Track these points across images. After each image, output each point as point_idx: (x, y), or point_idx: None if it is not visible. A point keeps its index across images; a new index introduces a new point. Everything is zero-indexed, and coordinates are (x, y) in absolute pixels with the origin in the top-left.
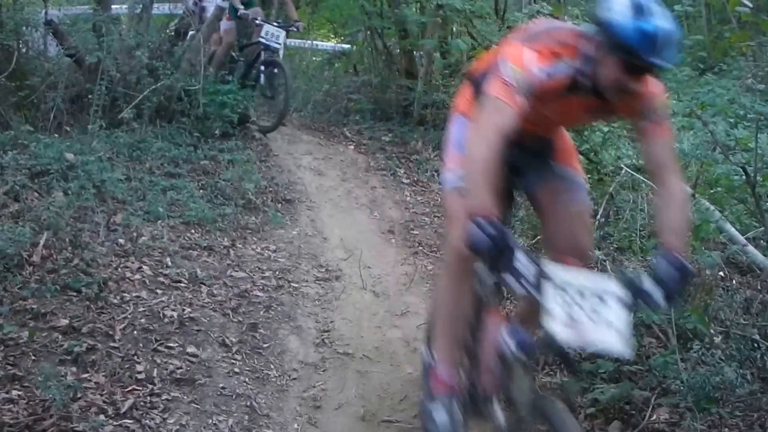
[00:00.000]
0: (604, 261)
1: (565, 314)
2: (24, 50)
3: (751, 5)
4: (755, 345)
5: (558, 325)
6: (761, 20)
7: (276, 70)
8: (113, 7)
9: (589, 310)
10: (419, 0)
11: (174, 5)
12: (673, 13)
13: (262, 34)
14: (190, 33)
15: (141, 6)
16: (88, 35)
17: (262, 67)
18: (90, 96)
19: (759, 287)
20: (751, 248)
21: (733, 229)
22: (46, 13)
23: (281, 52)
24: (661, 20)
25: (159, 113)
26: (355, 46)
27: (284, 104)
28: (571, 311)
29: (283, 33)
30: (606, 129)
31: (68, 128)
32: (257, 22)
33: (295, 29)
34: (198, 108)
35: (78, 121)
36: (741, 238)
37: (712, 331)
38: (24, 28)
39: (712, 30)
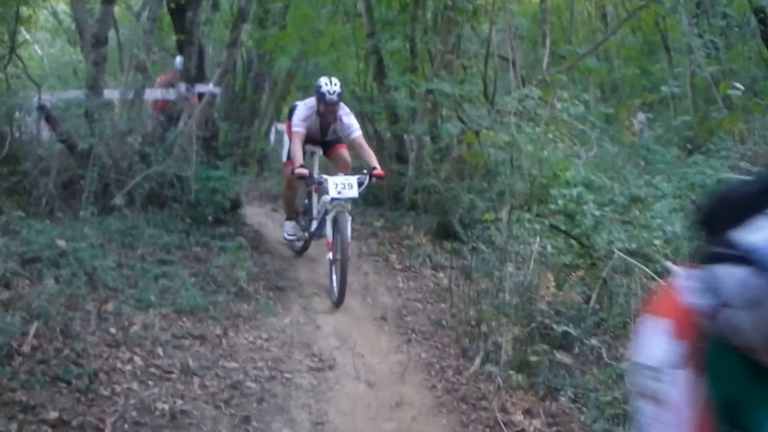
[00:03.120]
0: (600, 349)
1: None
2: (17, 135)
3: (742, 88)
4: None
5: (332, 192)
6: (752, 103)
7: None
8: (105, 92)
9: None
10: (409, 85)
11: (166, 91)
12: (660, 93)
13: (332, 192)
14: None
15: (133, 91)
16: (80, 121)
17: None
18: (82, 182)
19: None
20: None
21: None
22: (39, 98)
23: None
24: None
25: (151, 199)
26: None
27: (341, 272)
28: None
29: (355, 180)
30: (598, 212)
31: (60, 214)
32: (319, 180)
33: (368, 179)
34: (190, 194)
35: (70, 206)
36: None
37: None
38: (17, 113)
39: (698, 110)
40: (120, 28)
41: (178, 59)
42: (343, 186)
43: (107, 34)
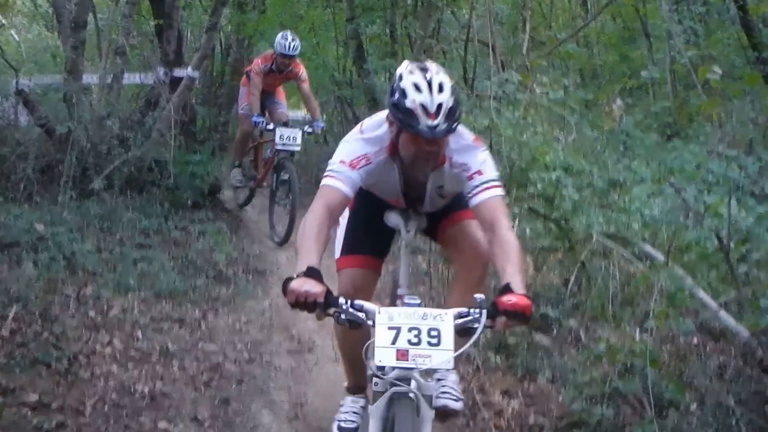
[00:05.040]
0: (578, 330)
1: (281, 140)
2: None
3: (720, 72)
4: (730, 411)
5: (279, 143)
6: (731, 86)
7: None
8: (84, 77)
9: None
10: (389, 70)
11: (145, 75)
12: (640, 79)
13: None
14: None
15: (112, 76)
16: (58, 105)
17: (275, 174)
18: (60, 166)
19: (732, 353)
20: (723, 314)
21: (705, 296)
22: (17, 82)
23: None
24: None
25: (129, 184)
26: (324, 116)
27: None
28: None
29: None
30: (577, 196)
31: (38, 199)
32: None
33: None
34: (169, 178)
35: (48, 191)
36: (714, 304)
37: (687, 398)
38: None
39: (677, 96)
40: (98, 13)
41: (279, 37)
42: (288, 138)
43: (86, 18)
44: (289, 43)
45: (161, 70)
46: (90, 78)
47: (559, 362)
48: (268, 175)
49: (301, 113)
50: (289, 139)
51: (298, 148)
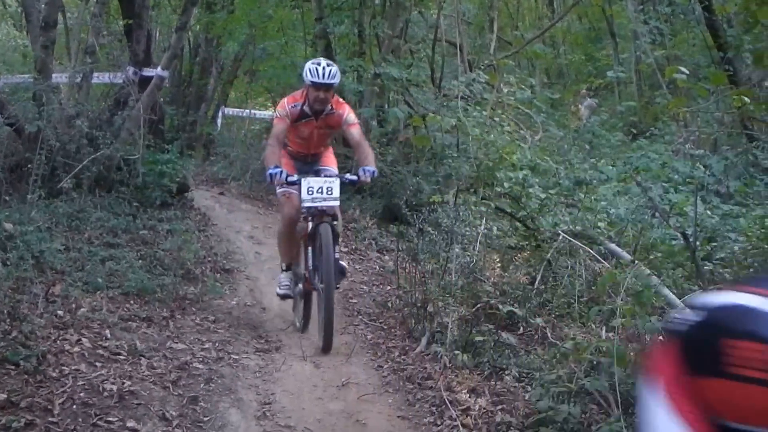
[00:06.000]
0: (544, 328)
1: (309, 194)
2: None
3: (687, 72)
4: None
5: (306, 200)
6: (696, 86)
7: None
8: (53, 76)
9: (321, 194)
10: (357, 69)
11: (114, 75)
12: (606, 79)
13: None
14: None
15: (81, 75)
16: (28, 104)
17: (309, 247)
18: (29, 165)
19: None
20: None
21: (671, 294)
22: None
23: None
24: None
25: (98, 183)
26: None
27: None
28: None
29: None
30: (543, 195)
31: (7, 198)
32: (290, 179)
33: (356, 178)
34: (137, 177)
35: (17, 190)
36: (679, 302)
37: None
38: None
39: (643, 95)
40: (68, 12)
41: (309, 63)
42: (320, 190)
43: (56, 17)
44: (323, 68)
45: (130, 70)
46: (59, 77)
47: (526, 360)
48: (306, 255)
49: (270, 112)
50: (322, 192)
51: (335, 203)
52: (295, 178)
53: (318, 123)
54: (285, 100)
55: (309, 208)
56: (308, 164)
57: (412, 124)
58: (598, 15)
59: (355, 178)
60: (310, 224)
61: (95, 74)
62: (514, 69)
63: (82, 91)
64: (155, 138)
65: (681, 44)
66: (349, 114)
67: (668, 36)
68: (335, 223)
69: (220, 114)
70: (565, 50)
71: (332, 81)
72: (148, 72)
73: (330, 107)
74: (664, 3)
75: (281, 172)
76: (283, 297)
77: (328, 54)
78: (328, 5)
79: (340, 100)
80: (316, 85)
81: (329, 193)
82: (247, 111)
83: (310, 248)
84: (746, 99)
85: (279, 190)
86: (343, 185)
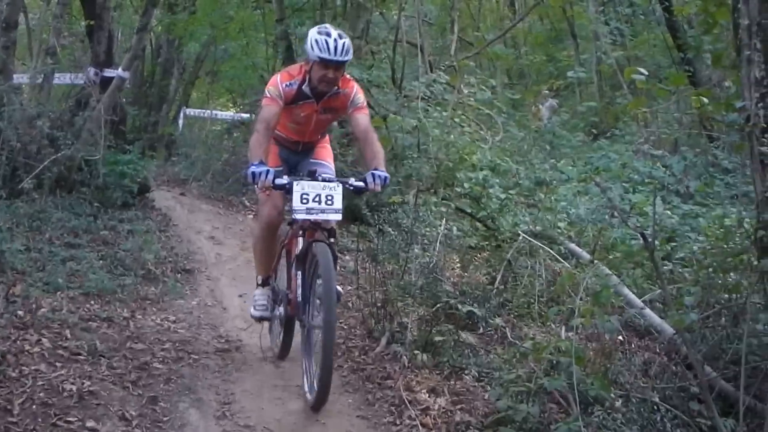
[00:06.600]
0: (504, 328)
1: (303, 203)
2: None
3: (646, 73)
4: (655, 408)
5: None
6: (655, 87)
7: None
8: (15, 76)
9: (319, 203)
10: None
11: (75, 75)
12: (567, 79)
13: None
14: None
15: (42, 76)
16: None
17: (299, 271)
18: None
19: (657, 350)
20: (648, 311)
21: (630, 293)
22: None
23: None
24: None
25: (59, 183)
26: (254, 116)
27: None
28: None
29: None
30: (503, 196)
31: None
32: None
33: (363, 184)
34: (98, 178)
35: None
36: (638, 302)
37: (612, 395)
38: None
39: (604, 96)
40: (30, 13)
41: (314, 32)
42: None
43: (17, 18)
44: (335, 40)
45: (91, 71)
46: (20, 78)
47: (486, 360)
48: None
49: (231, 113)
50: (319, 200)
51: (336, 216)
52: (285, 180)
53: (319, 106)
54: (278, 76)
55: (297, 221)
56: (298, 155)
57: (373, 125)
58: (559, 16)
59: (362, 184)
60: (301, 241)
61: (56, 75)
62: (475, 70)
63: (44, 91)
64: (116, 139)
65: (642, 45)
66: (357, 94)
67: (629, 37)
68: (332, 240)
69: (181, 114)
70: (526, 51)
71: (346, 57)
72: (109, 73)
73: (337, 87)
74: (625, 4)
75: (267, 172)
76: (259, 320)
77: (289, 55)
78: (290, 6)
79: (348, 76)
80: (324, 62)
81: (329, 202)
82: (209, 111)
83: (300, 273)
84: (705, 99)
85: (263, 192)
86: (347, 192)
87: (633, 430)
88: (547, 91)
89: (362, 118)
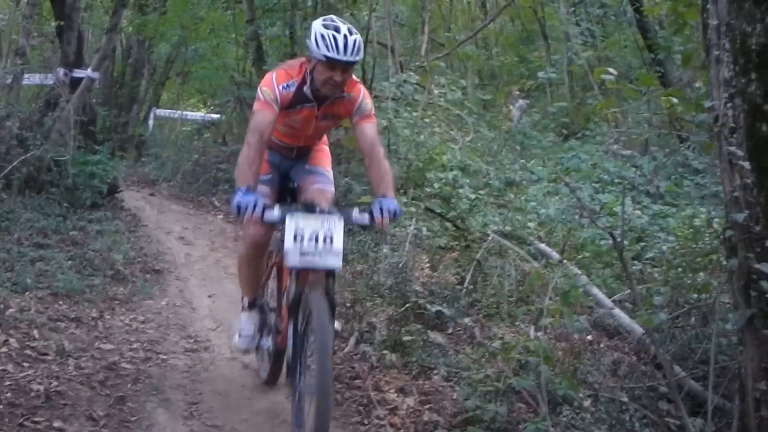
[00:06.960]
0: (473, 328)
1: (297, 244)
2: None
3: (615, 73)
4: (624, 407)
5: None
6: (625, 87)
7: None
8: None
9: (316, 245)
10: None
11: (45, 76)
12: (538, 80)
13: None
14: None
15: (12, 76)
16: None
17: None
18: None
19: (626, 349)
20: (617, 311)
21: (600, 293)
22: None
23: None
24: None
25: (28, 184)
26: (224, 116)
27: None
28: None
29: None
30: (473, 196)
31: None
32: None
33: (366, 221)
34: (68, 178)
35: None
36: (608, 302)
37: (581, 395)
38: None
39: (575, 96)
40: None
41: (319, 26)
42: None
43: None
44: (344, 36)
45: (61, 71)
46: None
47: (455, 360)
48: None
49: (202, 114)
50: (317, 241)
51: (336, 264)
52: (276, 214)
53: (320, 111)
54: (273, 75)
55: (291, 268)
56: (291, 161)
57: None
58: (530, 17)
59: (366, 221)
60: (293, 288)
61: (26, 75)
62: (446, 70)
63: (13, 92)
64: (86, 139)
65: (613, 46)
66: (364, 100)
67: (600, 38)
68: (331, 286)
69: (152, 115)
70: (497, 52)
71: (357, 57)
72: (78, 73)
73: (342, 91)
74: (596, 5)
75: (256, 203)
76: (245, 352)
77: (260, 56)
78: (260, 7)
79: (355, 78)
80: (331, 62)
81: (328, 243)
82: (179, 112)
83: (291, 324)
84: (675, 100)
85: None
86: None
87: (602, 430)
88: (518, 92)
89: (369, 129)
